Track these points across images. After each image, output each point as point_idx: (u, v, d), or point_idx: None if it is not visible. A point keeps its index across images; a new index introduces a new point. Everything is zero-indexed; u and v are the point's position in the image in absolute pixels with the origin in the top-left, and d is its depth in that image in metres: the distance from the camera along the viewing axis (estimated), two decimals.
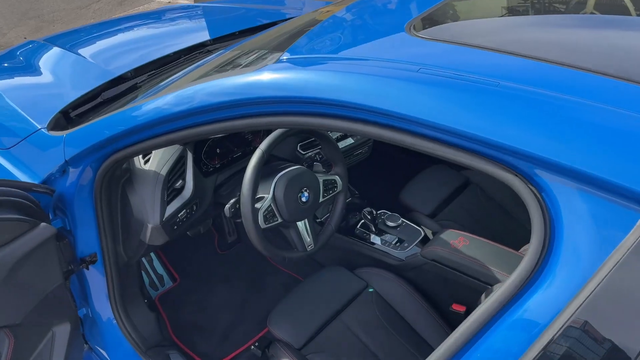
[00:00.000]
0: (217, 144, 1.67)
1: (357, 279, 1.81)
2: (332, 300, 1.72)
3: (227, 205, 1.50)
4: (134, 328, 1.73)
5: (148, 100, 1.25)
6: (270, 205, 1.51)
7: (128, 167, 1.50)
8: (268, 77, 1.09)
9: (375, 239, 1.97)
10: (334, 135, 2.05)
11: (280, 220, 1.54)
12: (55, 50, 2.12)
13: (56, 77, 1.93)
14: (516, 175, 0.87)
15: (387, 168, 2.81)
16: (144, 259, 2.21)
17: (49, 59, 2.08)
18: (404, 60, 1.02)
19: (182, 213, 1.52)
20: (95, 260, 1.60)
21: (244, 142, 1.73)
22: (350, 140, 2.00)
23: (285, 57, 1.16)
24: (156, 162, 1.49)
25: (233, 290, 2.23)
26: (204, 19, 2.34)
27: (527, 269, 0.80)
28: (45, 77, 1.94)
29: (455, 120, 0.86)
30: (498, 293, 0.82)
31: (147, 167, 1.50)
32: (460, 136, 0.87)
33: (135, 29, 2.29)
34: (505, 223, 2.18)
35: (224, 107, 1.12)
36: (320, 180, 1.63)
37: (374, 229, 1.99)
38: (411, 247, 1.92)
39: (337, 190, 1.68)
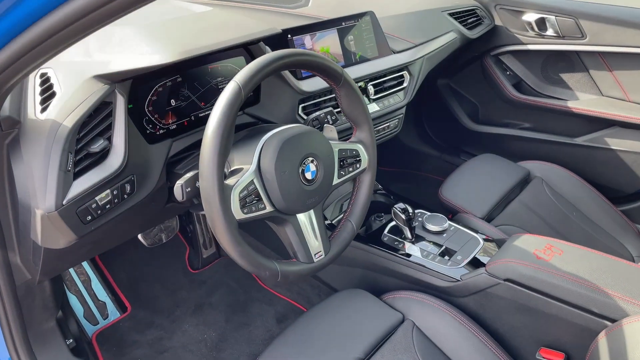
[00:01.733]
0: (172, 93, 1.05)
1: (388, 309, 1.19)
2: (351, 342, 1.09)
3: (180, 182, 0.88)
4: None
5: None
6: (252, 183, 0.89)
7: (16, 118, 0.88)
8: None
9: (413, 249, 1.34)
10: None
11: (269, 209, 0.92)
12: None
13: None
14: None
15: (421, 153, 2.20)
16: (75, 277, 1.56)
17: None
18: None
19: (103, 194, 0.90)
20: None
21: (215, 94, 1.12)
22: (374, 107, 1.38)
23: None
24: (59, 107, 0.87)
25: (207, 325, 1.59)
26: None
27: None
28: None
29: None
30: None
31: (43, 116, 0.88)
32: None
33: None
34: (588, 229, 1.56)
35: None
36: (335, 150, 1.01)
37: (409, 235, 1.36)
38: (467, 260, 1.29)
39: (361, 168, 1.06)
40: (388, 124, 1.46)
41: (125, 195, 0.94)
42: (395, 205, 1.35)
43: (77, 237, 0.88)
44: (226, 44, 0.97)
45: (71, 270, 1.47)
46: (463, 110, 2.11)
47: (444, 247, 1.33)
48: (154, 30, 0.97)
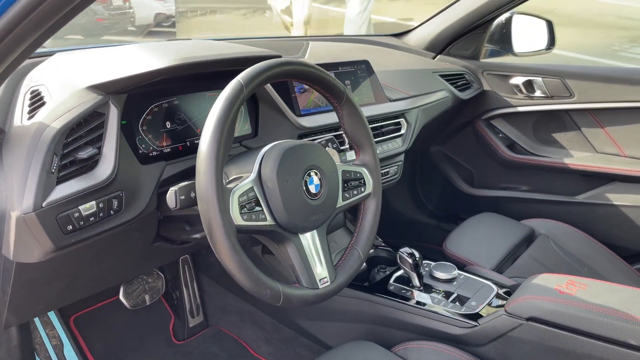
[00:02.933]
0: (168, 115, 1.01)
1: None
2: None
3: (174, 188, 0.80)
4: None
5: None
6: (252, 190, 0.82)
7: (0, 127, 0.83)
8: None
9: (422, 297, 1.23)
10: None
11: (270, 222, 0.84)
12: None
13: None
14: None
15: (417, 222, 2.13)
16: (46, 340, 1.37)
17: None
18: None
19: (88, 205, 0.81)
20: None
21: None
22: None
23: None
24: (47, 113, 0.82)
25: None
26: None
27: None
28: None
29: None
30: None
31: (30, 122, 0.83)
32: None
33: None
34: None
35: None
36: (339, 170, 0.96)
37: (417, 282, 1.25)
38: (483, 306, 1.18)
39: (366, 192, 1.00)
40: (388, 169, 1.42)
41: (111, 212, 0.85)
42: (400, 250, 1.26)
43: (55, 247, 0.78)
44: (225, 56, 0.95)
45: (42, 332, 1.31)
46: (458, 175, 2.09)
47: (455, 294, 1.23)
48: (152, 46, 0.96)
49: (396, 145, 1.41)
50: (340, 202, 0.96)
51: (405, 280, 1.29)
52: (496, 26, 1.94)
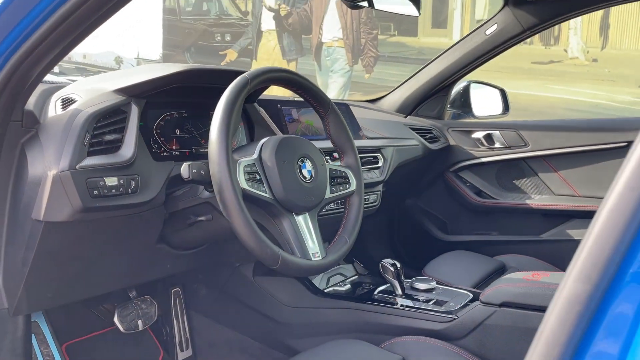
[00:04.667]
0: (178, 124, 1.16)
1: (387, 353, 1.12)
2: None
3: (188, 163, 0.94)
4: None
5: None
6: (254, 165, 0.97)
7: (37, 117, 0.97)
8: None
9: (405, 302, 1.32)
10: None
11: (269, 196, 0.97)
12: None
13: None
14: None
15: (398, 251, 2.23)
16: (39, 356, 1.37)
17: None
18: None
19: (112, 179, 0.93)
20: None
21: None
22: None
23: None
24: (78, 105, 0.98)
25: None
26: None
27: None
28: None
29: None
30: None
31: (65, 111, 0.97)
32: None
33: None
34: None
35: None
36: (327, 168, 1.11)
37: (399, 290, 1.35)
38: (461, 306, 1.27)
39: (350, 189, 1.15)
40: (368, 196, 1.56)
41: (129, 190, 0.97)
42: (383, 261, 1.38)
43: (83, 207, 0.88)
44: (228, 68, 1.14)
45: (37, 348, 1.31)
46: (433, 224, 2.24)
47: (434, 300, 1.32)
48: (167, 63, 1.14)
49: (374, 175, 1.58)
50: (328, 194, 1.10)
51: (388, 292, 1.39)
52: (456, 93, 2.22)
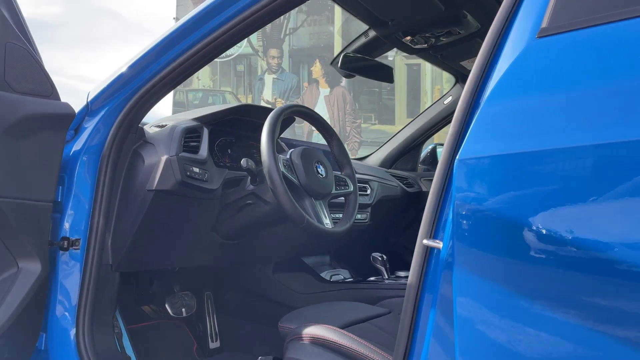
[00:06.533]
0: (227, 147, 1.68)
1: (377, 308, 1.56)
2: (355, 311, 1.44)
3: (245, 158, 1.45)
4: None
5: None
6: (287, 161, 1.48)
7: (142, 132, 1.48)
8: None
9: (391, 281, 1.77)
10: None
11: (295, 180, 1.47)
12: None
13: None
14: None
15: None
16: None
17: None
18: None
19: (196, 169, 1.43)
20: (77, 248, 1.37)
21: (252, 156, 1.76)
22: None
23: None
24: (172, 124, 1.50)
25: None
26: None
27: None
28: None
29: None
30: None
31: (163, 129, 1.49)
32: None
33: None
34: None
35: None
36: (333, 173, 1.63)
37: (386, 275, 1.80)
38: None
39: (349, 189, 1.65)
40: (358, 215, 2.05)
41: (204, 178, 1.47)
42: (373, 254, 1.84)
43: (181, 180, 1.37)
44: (265, 106, 1.68)
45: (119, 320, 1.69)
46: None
47: None
48: (224, 105, 1.69)
49: (364, 199, 2.08)
50: (334, 190, 1.60)
51: (378, 273, 1.83)
52: (425, 153, 2.81)
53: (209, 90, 7.37)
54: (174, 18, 7.23)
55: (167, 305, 1.83)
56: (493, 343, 0.76)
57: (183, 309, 1.88)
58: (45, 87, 1.15)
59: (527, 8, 0.78)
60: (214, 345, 2.00)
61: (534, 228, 0.71)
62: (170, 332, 1.95)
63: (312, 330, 1.18)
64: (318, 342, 1.16)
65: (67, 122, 1.21)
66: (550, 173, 0.72)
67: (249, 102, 7.41)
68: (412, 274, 0.89)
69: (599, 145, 0.67)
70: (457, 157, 0.81)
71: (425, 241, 0.87)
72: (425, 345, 0.85)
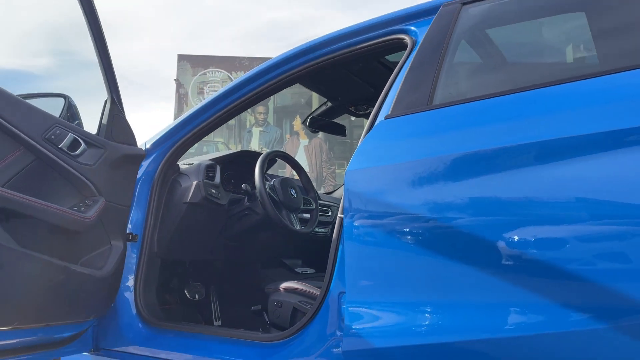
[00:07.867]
0: (232, 178, 2.51)
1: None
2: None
3: (244, 184, 2.27)
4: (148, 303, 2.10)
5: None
6: (272, 186, 2.31)
7: (177, 168, 2.30)
8: None
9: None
10: None
11: (277, 198, 2.29)
12: None
13: None
14: None
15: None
16: None
17: None
18: None
19: (213, 190, 2.24)
20: (136, 239, 2.15)
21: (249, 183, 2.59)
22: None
23: None
24: (197, 163, 2.33)
25: None
26: None
27: None
28: None
29: None
30: None
31: (190, 165, 2.32)
32: None
33: None
34: None
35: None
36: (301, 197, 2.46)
37: None
38: None
39: (312, 207, 2.49)
40: (320, 229, 2.87)
41: (218, 197, 2.29)
42: None
43: (204, 196, 2.18)
44: (257, 151, 2.53)
45: None
46: None
47: None
48: (235, 150, 2.53)
49: (327, 218, 2.90)
50: (302, 206, 2.42)
51: None
52: None
53: (204, 141, 8.28)
54: (174, 79, 8.22)
55: (185, 291, 2.60)
56: (363, 267, 1.56)
57: (196, 294, 2.64)
58: (131, 139, 1.98)
59: (386, 103, 1.65)
60: (217, 324, 2.75)
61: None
62: (184, 313, 2.70)
63: (285, 285, 1.97)
64: (289, 290, 1.95)
65: (141, 159, 2.03)
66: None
67: None
68: (335, 233, 1.69)
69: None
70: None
71: (339, 215, 1.69)
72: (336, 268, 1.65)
